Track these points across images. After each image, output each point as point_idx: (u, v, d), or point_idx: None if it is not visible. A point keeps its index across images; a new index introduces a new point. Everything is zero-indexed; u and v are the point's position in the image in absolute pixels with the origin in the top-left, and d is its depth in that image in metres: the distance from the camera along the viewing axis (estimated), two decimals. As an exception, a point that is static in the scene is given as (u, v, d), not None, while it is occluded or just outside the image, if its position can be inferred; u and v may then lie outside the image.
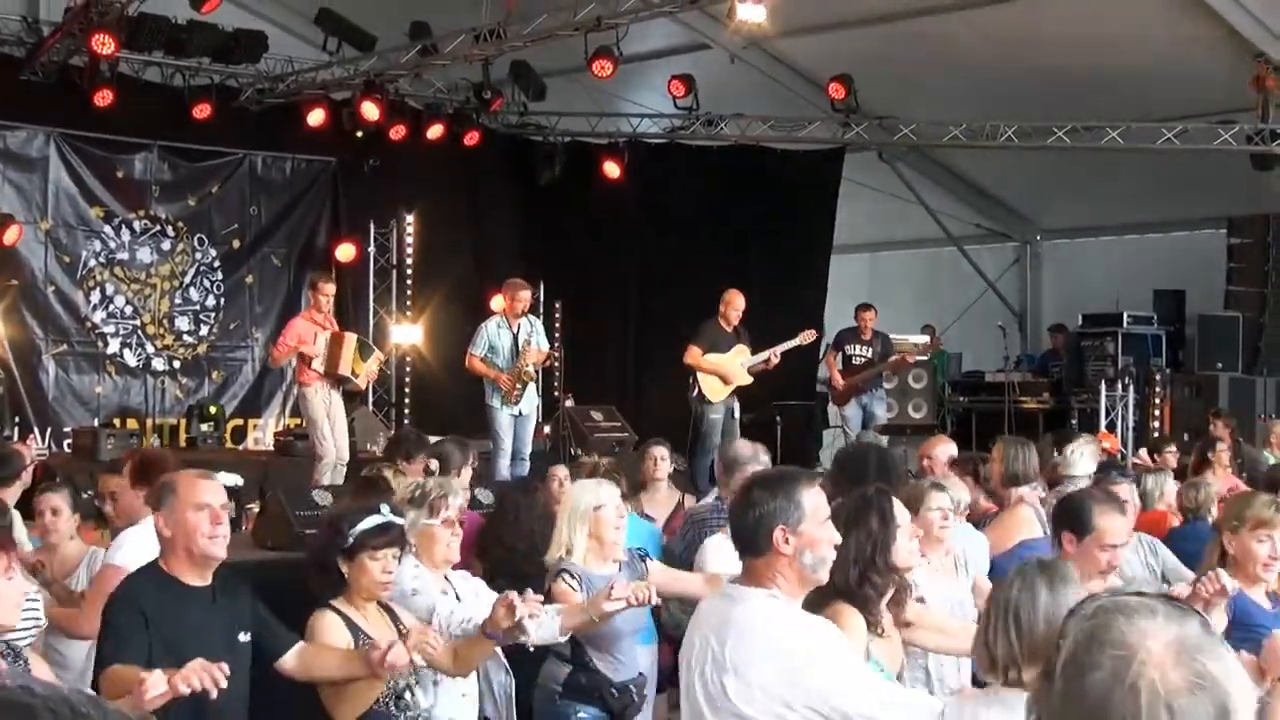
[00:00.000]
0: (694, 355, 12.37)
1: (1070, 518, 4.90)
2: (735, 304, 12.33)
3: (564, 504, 5.57)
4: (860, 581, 4.12)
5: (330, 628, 4.54)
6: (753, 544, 3.63)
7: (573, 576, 5.23)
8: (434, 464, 7.38)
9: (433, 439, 12.87)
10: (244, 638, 4.38)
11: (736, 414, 12.66)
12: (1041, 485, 7.37)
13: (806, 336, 13.14)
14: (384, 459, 8.23)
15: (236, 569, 4.72)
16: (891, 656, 4.25)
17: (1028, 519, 6.57)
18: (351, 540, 4.56)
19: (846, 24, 14.67)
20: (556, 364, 16.57)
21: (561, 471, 7.88)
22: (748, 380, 12.46)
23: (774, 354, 12.46)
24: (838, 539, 3.71)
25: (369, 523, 4.59)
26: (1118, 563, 4.87)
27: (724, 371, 12.35)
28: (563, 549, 5.37)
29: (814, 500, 3.65)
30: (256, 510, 9.74)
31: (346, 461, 11.66)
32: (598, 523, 5.35)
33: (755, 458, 6.68)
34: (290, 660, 4.45)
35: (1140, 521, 6.90)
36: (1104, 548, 4.73)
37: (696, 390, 12.41)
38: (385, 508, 4.76)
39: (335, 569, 4.60)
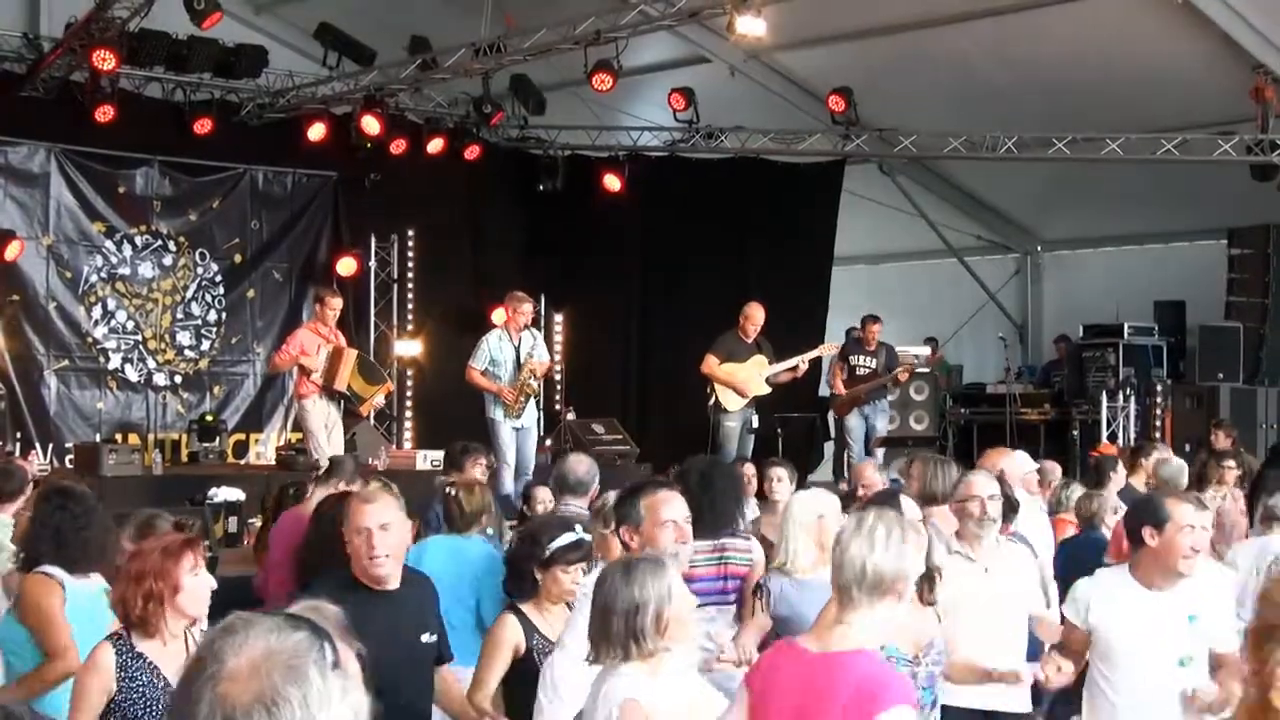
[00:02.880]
0: (709, 364, 12.47)
1: None
2: (754, 317, 12.54)
3: (786, 513, 5.84)
4: None
5: (507, 628, 5.07)
6: None
7: (765, 590, 5.54)
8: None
9: (434, 453, 12.93)
10: (427, 638, 4.89)
11: (754, 425, 12.70)
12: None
13: (827, 349, 13.35)
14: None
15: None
16: (903, 635, 4.61)
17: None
18: (548, 554, 5.09)
19: (846, 36, 14.69)
20: (558, 376, 16.62)
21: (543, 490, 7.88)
22: (765, 391, 12.57)
23: (803, 360, 12.59)
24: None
25: (563, 540, 5.14)
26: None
27: (738, 381, 12.43)
28: (785, 556, 5.59)
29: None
30: (259, 525, 9.75)
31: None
32: (822, 531, 5.50)
33: (591, 478, 6.69)
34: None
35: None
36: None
37: (714, 399, 12.48)
38: (579, 527, 5.32)
39: (530, 575, 5.14)
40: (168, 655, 4.20)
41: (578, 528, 5.29)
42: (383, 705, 4.30)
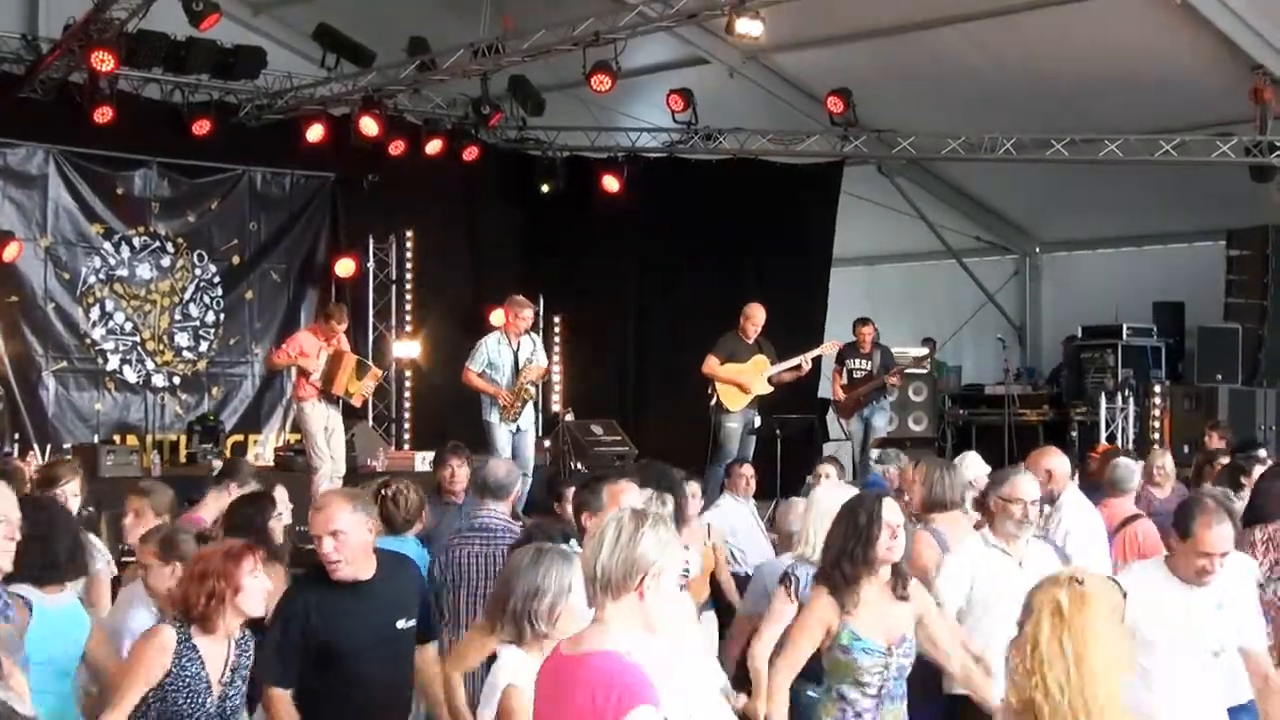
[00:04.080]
0: (711, 364, 12.50)
1: None
2: (754, 317, 12.60)
3: (810, 505, 6.04)
4: (833, 566, 5.04)
5: None
6: None
7: (794, 579, 5.67)
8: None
9: (432, 454, 12.90)
10: (404, 624, 5.03)
11: (755, 425, 12.70)
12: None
13: (829, 347, 13.38)
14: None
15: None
16: (875, 627, 5.00)
17: (929, 545, 6.29)
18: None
19: (845, 38, 14.68)
20: (556, 378, 16.61)
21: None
22: (767, 390, 12.61)
23: (805, 360, 12.62)
24: None
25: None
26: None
27: (741, 381, 12.46)
28: (808, 545, 5.77)
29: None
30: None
31: (342, 475, 11.67)
32: None
33: (511, 481, 6.65)
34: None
35: None
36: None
37: (715, 399, 12.50)
38: (574, 542, 5.31)
39: None
40: (215, 651, 4.59)
41: (573, 542, 5.35)
42: (356, 687, 4.44)
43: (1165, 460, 9.63)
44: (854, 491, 6.02)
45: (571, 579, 4.08)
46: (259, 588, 4.62)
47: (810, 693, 5.39)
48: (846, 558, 5.00)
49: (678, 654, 4.12)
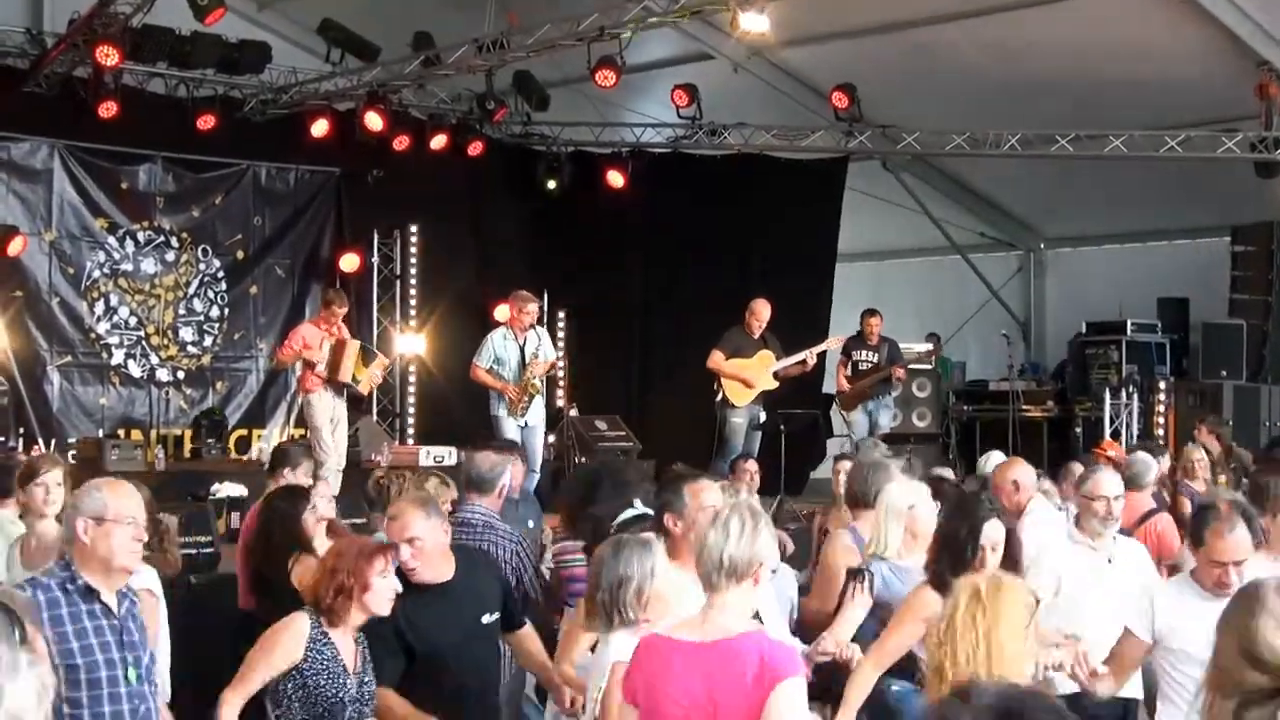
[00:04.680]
0: (716, 360, 12.51)
1: None
2: (760, 313, 12.63)
3: (880, 502, 6.02)
4: (935, 566, 5.11)
5: None
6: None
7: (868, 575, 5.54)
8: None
9: (436, 449, 12.95)
10: (488, 618, 5.22)
11: (760, 420, 12.70)
12: None
13: (834, 342, 13.38)
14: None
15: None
16: None
17: (847, 548, 6.23)
18: (613, 529, 5.42)
19: (849, 33, 14.67)
20: (561, 373, 16.61)
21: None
22: (772, 385, 12.62)
23: (810, 354, 12.63)
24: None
25: (627, 514, 5.52)
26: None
27: (746, 376, 12.48)
28: (880, 543, 5.83)
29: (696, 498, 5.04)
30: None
31: (343, 468, 11.68)
32: (914, 519, 5.79)
33: (495, 475, 6.52)
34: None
35: None
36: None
37: (721, 395, 12.51)
38: (638, 501, 5.59)
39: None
40: (345, 643, 4.69)
41: (636, 502, 5.62)
42: (446, 686, 4.72)
43: (1200, 454, 9.72)
44: (924, 489, 6.06)
45: (653, 564, 4.30)
46: (388, 588, 4.70)
47: (895, 687, 5.28)
48: (946, 565, 5.01)
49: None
